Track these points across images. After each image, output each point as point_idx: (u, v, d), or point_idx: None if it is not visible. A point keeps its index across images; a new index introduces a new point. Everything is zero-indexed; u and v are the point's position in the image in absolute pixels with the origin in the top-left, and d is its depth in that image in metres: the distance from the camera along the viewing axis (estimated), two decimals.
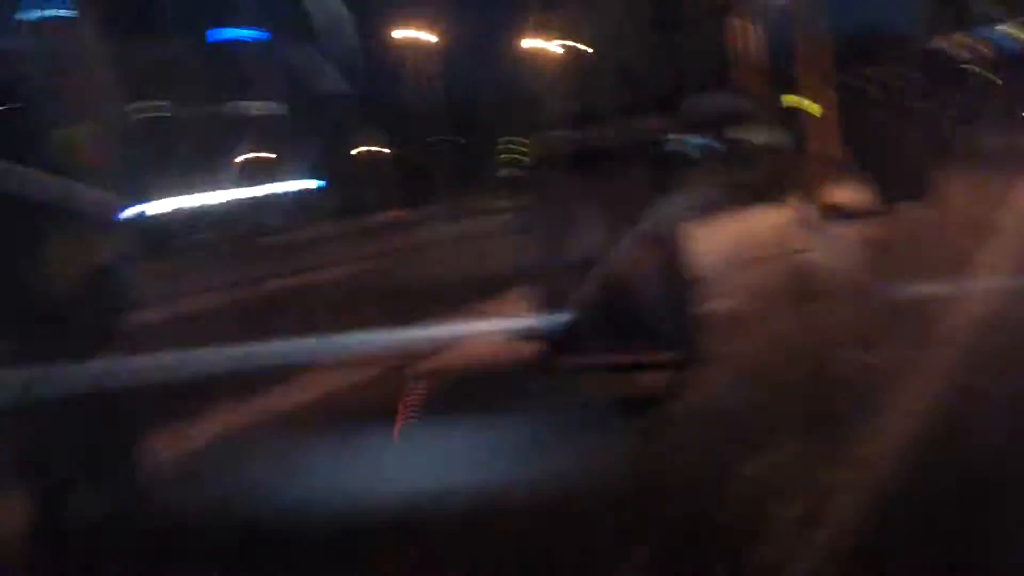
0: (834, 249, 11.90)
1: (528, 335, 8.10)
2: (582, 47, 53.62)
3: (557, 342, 7.36)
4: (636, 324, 6.98)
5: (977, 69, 65.55)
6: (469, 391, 7.71)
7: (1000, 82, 63.71)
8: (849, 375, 6.43)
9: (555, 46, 50.18)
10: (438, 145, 37.88)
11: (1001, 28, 67.28)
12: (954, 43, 68.57)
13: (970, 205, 14.91)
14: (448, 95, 43.27)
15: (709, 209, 18.18)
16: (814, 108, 26.01)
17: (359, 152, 44.31)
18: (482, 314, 10.88)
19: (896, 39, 68.31)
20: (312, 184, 47.77)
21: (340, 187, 38.92)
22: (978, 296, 8.22)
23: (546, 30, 49.76)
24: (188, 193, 42.85)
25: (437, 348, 9.24)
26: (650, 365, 7.03)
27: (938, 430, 5.40)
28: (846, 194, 16.92)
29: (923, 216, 14.38)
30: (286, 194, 47.42)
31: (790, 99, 28.84)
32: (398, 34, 39.59)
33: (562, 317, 7.24)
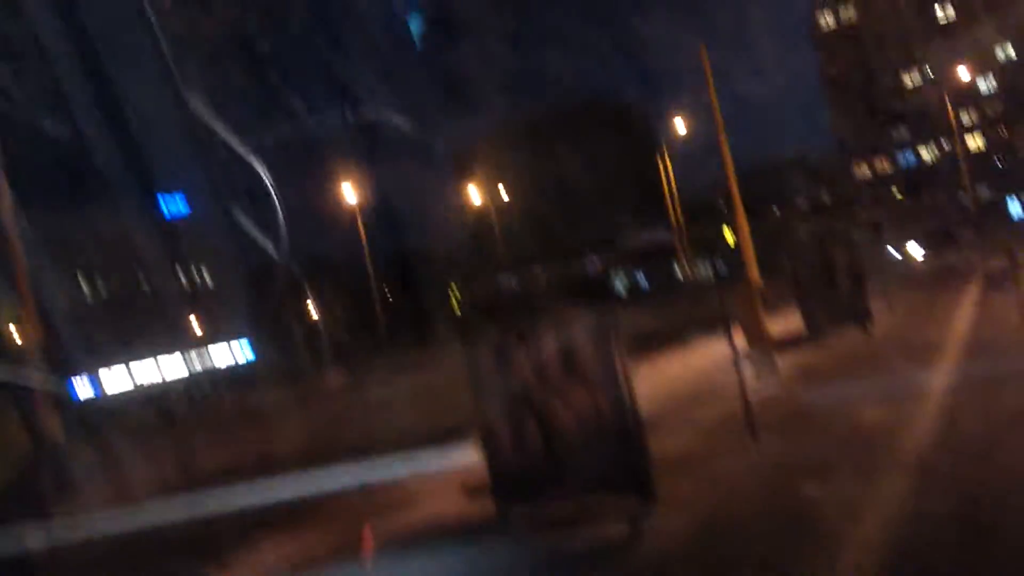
0: (774, 380, 12.06)
1: (479, 489, 7.95)
2: (513, 195, 55.36)
3: (510, 495, 7.21)
4: (589, 472, 6.87)
5: (893, 190, 69.02)
6: (426, 548, 7.51)
7: (906, 199, 67.13)
8: (806, 510, 6.38)
9: (484, 196, 51.78)
10: (375, 303, 38.03)
11: (908, 149, 71.52)
12: (869, 167, 72.36)
13: (895, 328, 15.34)
14: (382, 251, 43.82)
15: (650, 346, 18.49)
16: (732, 239, 27.08)
17: (294, 317, 44.28)
18: (434, 471, 10.72)
19: (815, 167, 71.41)
20: (248, 354, 47.51)
21: (278, 354, 38.57)
22: (919, 422, 8.34)
23: (472, 180, 51.38)
24: (130, 368, 42.17)
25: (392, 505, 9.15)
26: (607, 514, 6.91)
27: (895, 560, 5.38)
28: (780, 324, 17.31)
29: (853, 341, 14.73)
30: (227, 367, 46.86)
31: (726, 231, 29.90)
32: (328, 197, 40.38)
33: (512, 469, 7.12)
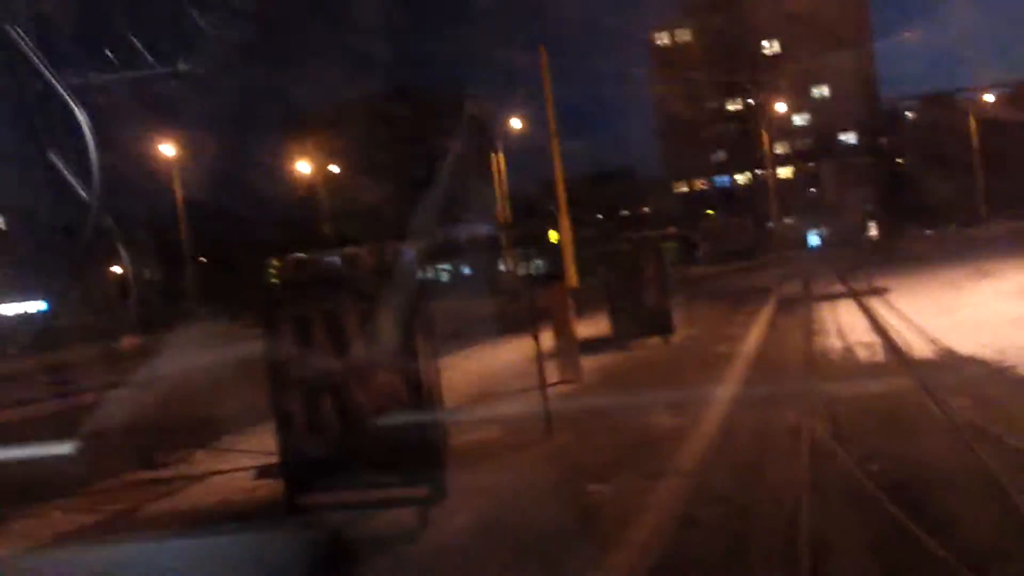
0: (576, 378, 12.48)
1: (270, 472, 7.78)
2: (345, 173, 54.38)
3: (300, 479, 7.07)
4: (383, 459, 6.84)
5: (710, 211, 72.86)
6: (206, 531, 7.30)
7: (719, 219, 71.09)
8: (589, 507, 6.62)
9: (317, 169, 50.62)
10: (188, 267, 36.40)
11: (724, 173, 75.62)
12: (688, 185, 75.93)
13: (693, 340, 16.20)
14: (202, 214, 41.78)
15: (460, 339, 18.68)
16: (554, 237, 28.01)
17: (101, 274, 41.48)
18: (227, 450, 10.46)
19: (640, 180, 74.16)
20: (40, 306, 43.82)
21: (75, 311, 35.99)
22: (702, 428, 8.86)
23: (310, 154, 50.07)
24: None
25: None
26: (397, 502, 6.92)
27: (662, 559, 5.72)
28: (591, 327, 17.92)
29: (654, 349, 15.47)
30: (15, 317, 43.05)
31: (552, 234, 30.76)
32: (149, 147, 38.02)
33: (305, 453, 6.99)
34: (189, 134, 38.33)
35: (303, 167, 48.61)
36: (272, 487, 7.75)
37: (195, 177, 38.46)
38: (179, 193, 35.87)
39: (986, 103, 62.52)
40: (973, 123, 62.01)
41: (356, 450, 6.81)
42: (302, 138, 50.87)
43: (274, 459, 7.41)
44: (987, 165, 60.43)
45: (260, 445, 9.58)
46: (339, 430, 6.82)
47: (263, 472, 8.33)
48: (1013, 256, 25.34)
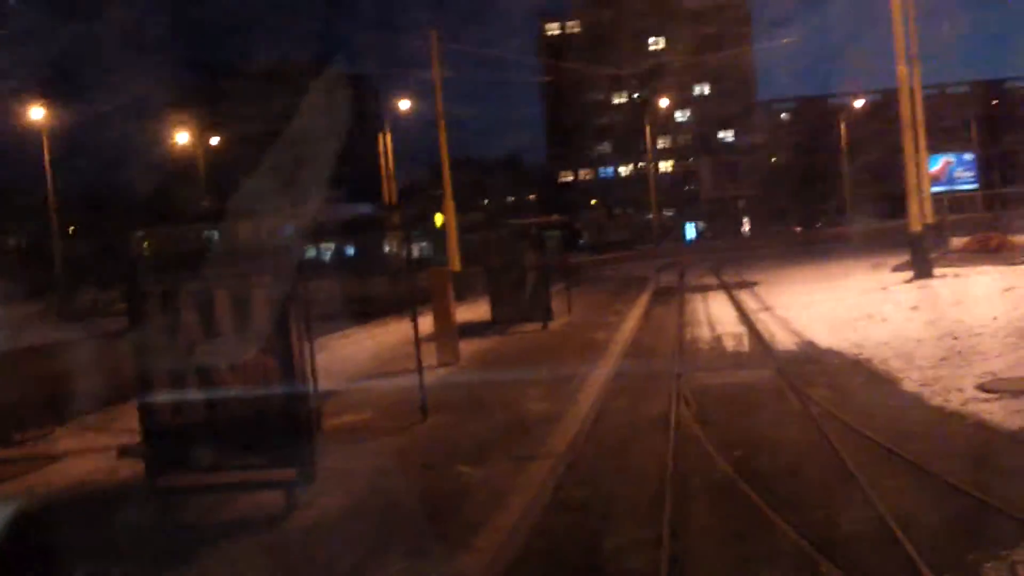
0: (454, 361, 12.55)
1: (133, 452, 7.51)
2: (228, 146, 52.67)
3: (163, 460, 6.86)
4: (251, 440, 6.71)
5: (593, 202, 73.77)
6: (66, 510, 7.03)
7: (605, 207, 72.25)
8: (459, 489, 6.66)
9: (200, 142, 48.77)
10: (53, 238, 34.67)
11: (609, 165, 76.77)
12: (572, 174, 76.77)
13: (570, 327, 16.48)
14: (74, 182, 39.87)
15: (340, 319, 18.47)
16: (440, 221, 28.01)
17: None
18: (89, 427, 10.06)
19: (525, 167, 74.20)
20: None
21: None
22: (574, 411, 9.05)
23: (193, 126, 48.17)
24: None
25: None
26: (265, 484, 6.80)
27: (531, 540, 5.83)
28: (471, 311, 18.03)
29: (531, 335, 15.66)
30: None
31: (437, 217, 30.59)
32: (19, 112, 35.93)
33: (170, 432, 6.78)
34: (65, 99, 36.49)
35: (182, 137, 46.78)
36: (134, 467, 7.49)
37: (70, 144, 36.70)
38: (47, 158, 34.02)
39: (855, 108, 65.40)
40: (843, 126, 64.83)
41: (223, 432, 6.65)
42: (183, 109, 49.00)
43: (137, 438, 7.17)
44: (854, 166, 63.31)
45: (124, 424, 9.26)
46: (206, 411, 6.64)
47: (125, 451, 8.05)
48: (866, 255, 26.76)
